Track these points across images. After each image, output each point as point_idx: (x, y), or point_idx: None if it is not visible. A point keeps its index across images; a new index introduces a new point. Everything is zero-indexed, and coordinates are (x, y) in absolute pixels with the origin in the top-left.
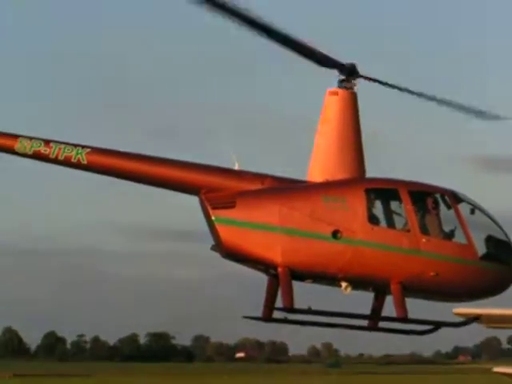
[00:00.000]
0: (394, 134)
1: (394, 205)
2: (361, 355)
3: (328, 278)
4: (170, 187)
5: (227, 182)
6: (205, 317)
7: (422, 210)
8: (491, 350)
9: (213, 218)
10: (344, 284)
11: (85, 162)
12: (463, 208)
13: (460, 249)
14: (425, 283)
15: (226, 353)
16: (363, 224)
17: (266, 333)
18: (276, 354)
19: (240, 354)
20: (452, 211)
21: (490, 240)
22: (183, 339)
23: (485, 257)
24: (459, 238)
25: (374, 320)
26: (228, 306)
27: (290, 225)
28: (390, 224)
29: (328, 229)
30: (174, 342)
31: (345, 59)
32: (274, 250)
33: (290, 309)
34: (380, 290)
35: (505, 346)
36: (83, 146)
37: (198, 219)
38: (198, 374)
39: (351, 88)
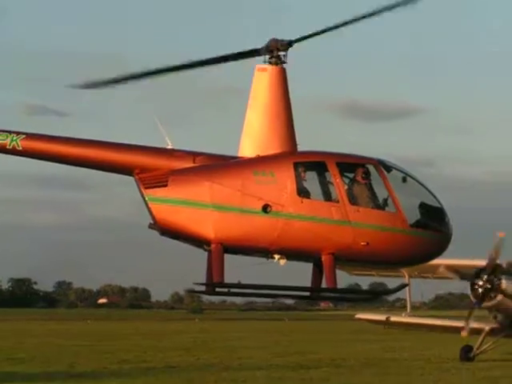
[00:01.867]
0: None
1: (322, 177)
2: (223, 302)
3: (261, 252)
4: (106, 169)
5: (159, 161)
6: (67, 263)
7: (351, 180)
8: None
9: (146, 197)
10: (277, 256)
11: (20, 148)
12: (392, 177)
13: (389, 217)
14: (356, 253)
15: (88, 298)
16: (292, 197)
17: (128, 279)
18: (139, 300)
19: (102, 300)
20: (380, 180)
21: (420, 207)
22: (45, 285)
23: (415, 224)
24: (388, 206)
25: (311, 290)
26: (90, 252)
27: (221, 201)
28: (319, 196)
29: (258, 203)
30: (36, 287)
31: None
32: (207, 226)
33: (220, 284)
34: (315, 262)
35: None
36: (18, 133)
37: (53, 165)
38: (60, 320)
39: (280, 63)
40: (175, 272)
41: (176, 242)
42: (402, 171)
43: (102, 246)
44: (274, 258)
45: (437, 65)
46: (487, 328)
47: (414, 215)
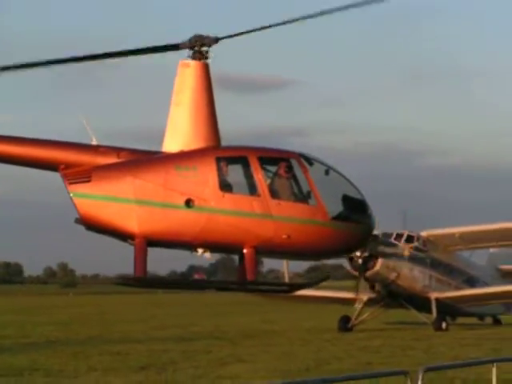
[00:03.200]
0: None
1: (244, 171)
2: (96, 275)
3: (184, 246)
4: (31, 165)
5: (83, 157)
6: None
7: (272, 174)
8: (226, 269)
9: (70, 193)
10: (200, 250)
11: None
12: (313, 170)
13: (310, 210)
14: (277, 246)
15: None
16: (214, 192)
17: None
18: (10, 275)
19: None
20: (301, 174)
21: (342, 200)
22: None
23: (337, 217)
24: (310, 200)
25: (230, 283)
26: None
27: (144, 196)
28: (241, 190)
29: (181, 198)
30: None
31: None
32: (130, 221)
33: (142, 278)
34: (239, 255)
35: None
36: None
37: None
38: None
39: (204, 58)
40: (47, 246)
41: (42, 219)
42: (323, 164)
43: None
44: (197, 251)
45: (307, 39)
46: (365, 298)
47: (336, 208)
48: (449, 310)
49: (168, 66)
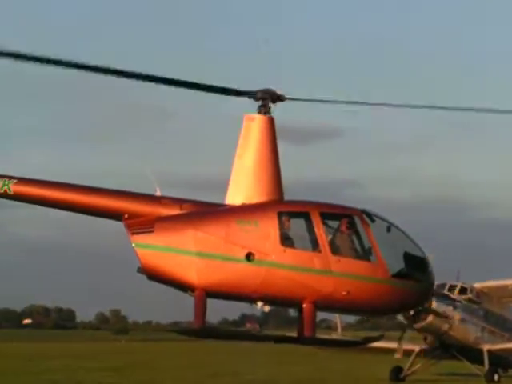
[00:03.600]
0: None
1: (305, 227)
2: (149, 322)
3: (244, 299)
4: (95, 214)
5: (147, 208)
6: None
7: (333, 230)
8: (278, 318)
9: (133, 243)
10: (260, 303)
11: (11, 193)
12: (375, 227)
13: (371, 268)
14: (336, 301)
15: (13, 319)
16: (276, 246)
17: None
18: (63, 320)
19: (27, 321)
20: (363, 231)
21: (402, 258)
22: None
23: (397, 274)
24: (370, 257)
25: (291, 337)
26: (14, 271)
27: (205, 248)
28: (302, 245)
29: (242, 251)
30: None
31: (262, 85)
32: (191, 273)
33: (201, 330)
34: (299, 309)
35: (292, 313)
36: (10, 177)
37: None
38: None
39: (268, 113)
40: (100, 292)
41: (101, 260)
42: (385, 221)
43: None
44: (257, 304)
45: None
46: (417, 349)
47: (396, 265)
48: (501, 362)
49: (230, 115)
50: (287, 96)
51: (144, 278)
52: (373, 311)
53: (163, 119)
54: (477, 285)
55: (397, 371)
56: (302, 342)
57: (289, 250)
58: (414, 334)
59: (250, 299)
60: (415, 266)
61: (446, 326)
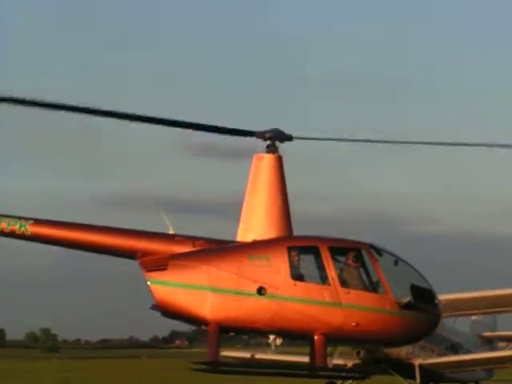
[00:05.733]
0: None
1: (315, 261)
2: (78, 340)
3: (256, 332)
4: (110, 253)
5: (160, 245)
6: None
7: (342, 264)
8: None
9: (147, 280)
10: (272, 337)
11: (28, 234)
12: (382, 260)
13: (379, 300)
14: (346, 333)
15: None
16: (286, 280)
17: None
18: None
19: None
20: (371, 264)
21: (409, 290)
22: None
23: (404, 306)
24: (378, 289)
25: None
26: None
27: (218, 284)
28: (312, 279)
29: (253, 286)
30: None
31: (269, 125)
32: (204, 308)
33: (214, 363)
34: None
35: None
36: (26, 219)
37: None
38: None
39: (276, 152)
40: (30, 311)
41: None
42: (392, 255)
43: None
44: (269, 338)
45: None
46: (350, 364)
47: (404, 297)
48: (432, 376)
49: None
50: (295, 135)
51: (72, 296)
52: (382, 342)
53: None
54: None
55: None
56: (314, 374)
57: (299, 284)
58: (346, 349)
59: (263, 332)
60: (422, 298)
61: None
